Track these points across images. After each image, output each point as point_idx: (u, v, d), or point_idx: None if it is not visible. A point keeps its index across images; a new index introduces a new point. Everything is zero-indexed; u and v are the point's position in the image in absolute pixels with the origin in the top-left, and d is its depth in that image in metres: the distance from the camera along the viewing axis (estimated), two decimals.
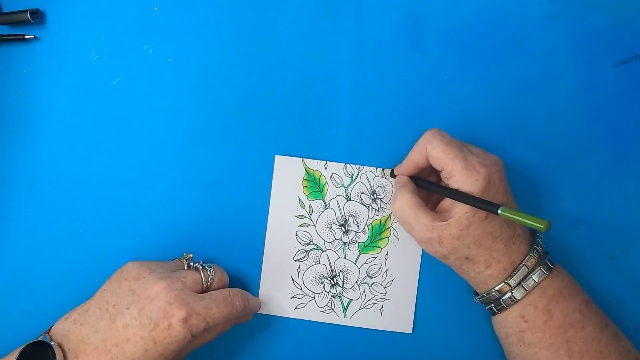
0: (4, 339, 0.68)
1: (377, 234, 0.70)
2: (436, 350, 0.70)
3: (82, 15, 0.70)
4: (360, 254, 0.70)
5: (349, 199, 0.70)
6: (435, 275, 0.70)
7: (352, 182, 0.70)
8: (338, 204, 0.70)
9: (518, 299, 0.62)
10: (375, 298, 0.70)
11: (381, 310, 0.70)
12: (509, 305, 0.63)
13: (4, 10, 0.70)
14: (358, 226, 0.70)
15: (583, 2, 0.71)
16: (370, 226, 0.70)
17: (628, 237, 0.70)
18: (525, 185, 0.70)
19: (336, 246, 0.70)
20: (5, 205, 0.70)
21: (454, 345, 0.70)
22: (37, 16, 0.69)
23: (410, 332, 0.70)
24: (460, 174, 0.61)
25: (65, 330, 0.60)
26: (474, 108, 0.71)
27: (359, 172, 0.70)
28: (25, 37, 0.69)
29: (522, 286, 0.62)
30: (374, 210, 0.70)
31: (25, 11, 0.68)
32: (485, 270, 0.63)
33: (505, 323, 0.64)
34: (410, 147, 0.69)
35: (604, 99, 0.71)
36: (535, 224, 0.57)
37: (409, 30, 0.71)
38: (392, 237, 0.70)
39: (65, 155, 0.70)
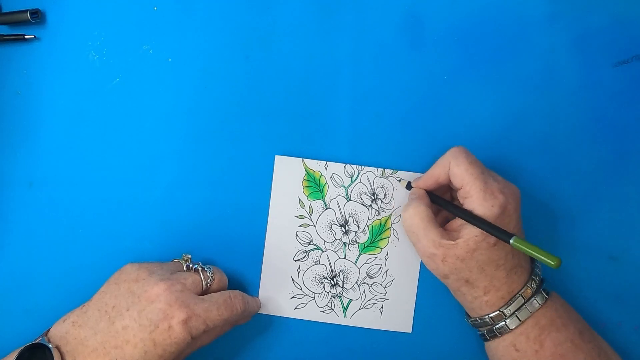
0: (4, 339, 0.67)
1: (377, 235, 0.69)
2: (436, 350, 0.69)
3: (82, 15, 0.69)
4: (360, 254, 0.69)
5: (349, 200, 0.68)
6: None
7: (352, 182, 0.68)
8: (338, 204, 0.68)
9: (511, 329, 0.61)
10: (375, 298, 0.69)
11: (381, 310, 0.69)
12: (501, 334, 0.62)
13: (4, 10, 0.68)
14: (358, 226, 0.68)
15: (583, 2, 0.69)
16: (370, 226, 0.69)
17: (628, 237, 0.69)
18: (525, 185, 0.68)
19: (336, 246, 0.69)
20: (5, 204, 0.68)
21: (454, 345, 0.69)
22: (37, 16, 0.68)
23: (410, 332, 0.69)
24: (477, 195, 0.60)
25: (64, 332, 0.59)
26: (474, 108, 0.69)
27: (359, 173, 0.68)
28: (25, 37, 0.68)
29: (516, 316, 0.61)
30: (374, 210, 0.68)
31: (25, 11, 0.67)
32: (483, 296, 0.62)
33: (497, 351, 0.63)
34: (410, 147, 0.69)
35: (604, 99, 0.69)
36: (547, 260, 0.56)
37: (409, 30, 0.69)
38: (392, 238, 0.69)
39: (65, 155, 0.69)
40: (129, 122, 0.69)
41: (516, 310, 0.61)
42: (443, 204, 0.65)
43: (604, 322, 0.68)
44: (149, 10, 0.69)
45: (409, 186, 0.67)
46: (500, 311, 0.61)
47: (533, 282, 0.62)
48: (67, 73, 0.69)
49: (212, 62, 0.69)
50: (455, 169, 0.61)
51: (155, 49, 0.69)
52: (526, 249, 0.57)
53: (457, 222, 0.62)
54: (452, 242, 0.60)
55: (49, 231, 0.68)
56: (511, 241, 0.58)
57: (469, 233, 0.60)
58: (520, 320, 0.61)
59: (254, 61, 0.69)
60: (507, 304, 0.61)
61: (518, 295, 0.61)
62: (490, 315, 0.62)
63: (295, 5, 0.69)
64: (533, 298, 0.61)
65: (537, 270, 0.63)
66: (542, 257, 0.56)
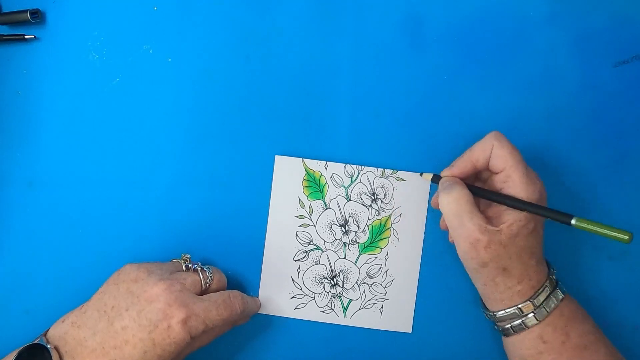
0: (4, 339, 0.67)
1: (377, 235, 0.68)
2: (436, 350, 0.68)
3: (82, 15, 0.68)
4: (360, 254, 0.68)
5: (349, 200, 0.68)
6: (435, 275, 0.68)
7: (352, 182, 0.68)
8: (338, 204, 0.68)
9: (539, 320, 0.60)
10: (375, 298, 0.68)
11: (381, 310, 0.68)
12: (528, 327, 0.60)
13: (4, 10, 0.68)
14: (358, 226, 0.68)
15: (583, 2, 0.69)
16: (370, 226, 0.68)
17: None
18: None
19: (336, 246, 0.68)
20: (5, 204, 0.68)
21: (454, 345, 0.68)
22: (37, 16, 0.67)
23: (410, 332, 0.68)
24: (520, 180, 0.59)
25: (63, 333, 0.58)
26: (474, 108, 0.69)
27: (359, 173, 0.68)
28: (25, 37, 0.67)
29: (544, 307, 0.60)
30: (374, 210, 0.68)
31: (25, 11, 0.66)
32: (517, 285, 0.60)
33: (522, 345, 0.61)
34: (410, 147, 0.68)
35: (604, 99, 0.69)
36: (619, 235, 0.54)
37: (409, 30, 0.69)
38: (392, 238, 0.68)
39: (65, 155, 0.68)
40: (129, 122, 0.68)
41: (544, 300, 0.60)
42: (482, 193, 0.62)
43: (604, 322, 0.67)
44: (149, 10, 0.68)
45: (435, 179, 0.65)
46: (530, 301, 0.60)
47: (553, 274, 0.61)
48: (67, 73, 0.68)
49: (212, 62, 0.68)
50: (499, 151, 0.60)
51: (155, 49, 0.68)
52: (593, 227, 0.55)
53: (495, 209, 0.61)
54: (497, 229, 0.58)
55: (49, 231, 0.67)
56: (573, 222, 0.56)
57: (513, 218, 0.59)
58: (547, 311, 0.60)
59: (254, 61, 0.68)
60: (536, 294, 0.60)
61: (544, 285, 0.60)
62: (519, 306, 0.60)
63: (295, 5, 0.68)
64: (557, 288, 0.60)
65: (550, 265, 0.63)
66: (613, 233, 0.54)
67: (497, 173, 0.61)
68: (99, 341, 0.57)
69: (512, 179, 0.59)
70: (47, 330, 0.59)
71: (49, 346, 0.57)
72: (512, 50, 0.68)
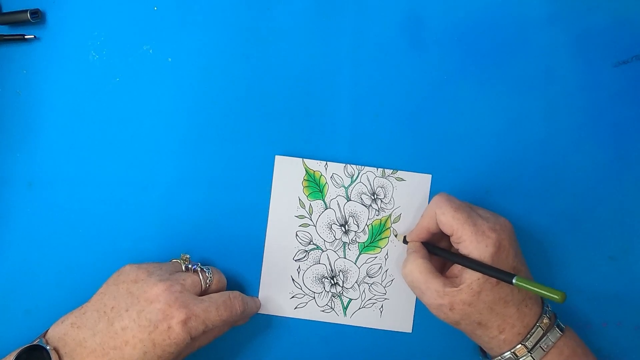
0: (4, 339, 0.66)
1: (377, 234, 0.67)
2: (436, 350, 0.68)
3: (82, 15, 0.68)
4: (360, 253, 0.67)
5: (349, 199, 0.67)
6: None
7: (352, 182, 0.67)
8: (338, 204, 0.67)
9: None
10: (375, 298, 0.67)
11: (381, 309, 0.67)
12: None
13: (4, 10, 0.67)
14: (358, 226, 0.67)
15: (583, 2, 0.68)
16: (370, 226, 0.67)
17: (628, 237, 0.68)
18: (524, 185, 0.68)
19: (336, 246, 0.67)
20: (5, 204, 0.67)
21: (454, 345, 0.68)
22: (37, 16, 0.66)
23: (410, 331, 0.68)
24: (470, 239, 0.59)
25: (62, 334, 0.58)
26: (474, 108, 0.68)
27: (359, 173, 0.67)
28: (25, 37, 0.67)
29: (540, 347, 0.59)
30: (374, 210, 0.67)
31: (25, 11, 0.66)
32: (499, 335, 0.59)
33: None
34: (410, 147, 0.68)
35: (604, 99, 0.68)
36: (551, 295, 0.55)
37: (409, 30, 0.68)
38: (391, 237, 0.67)
39: (65, 155, 0.67)
40: (128, 122, 0.67)
41: (538, 341, 0.59)
42: (441, 253, 0.63)
43: (604, 322, 0.67)
44: (149, 10, 0.67)
45: (405, 240, 0.66)
46: (522, 344, 0.59)
47: (547, 312, 0.60)
48: (67, 73, 0.67)
49: (212, 62, 0.67)
50: (442, 217, 0.60)
51: (155, 49, 0.67)
52: (529, 286, 0.56)
53: (457, 267, 0.61)
54: (456, 289, 0.59)
55: (49, 231, 0.67)
56: (514, 281, 0.56)
57: (470, 277, 0.58)
58: (544, 351, 0.59)
59: (254, 61, 0.68)
60: (526, 338, 0.59)
61: (536, 326, 0.59)
62: (513, 350, 0.59)
63: (295, 5, 0.68)
64: (553, 327, 0.59)
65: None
66: (546, 293, 0.55)
67: (450, 235, 0.61)
68: (98, 342, 0.56)
69: (463, 239, 0.59)
70: (47, 331, 0.59)
71: (48, 347, 0.56)
72: (512, 51, 0.68)
